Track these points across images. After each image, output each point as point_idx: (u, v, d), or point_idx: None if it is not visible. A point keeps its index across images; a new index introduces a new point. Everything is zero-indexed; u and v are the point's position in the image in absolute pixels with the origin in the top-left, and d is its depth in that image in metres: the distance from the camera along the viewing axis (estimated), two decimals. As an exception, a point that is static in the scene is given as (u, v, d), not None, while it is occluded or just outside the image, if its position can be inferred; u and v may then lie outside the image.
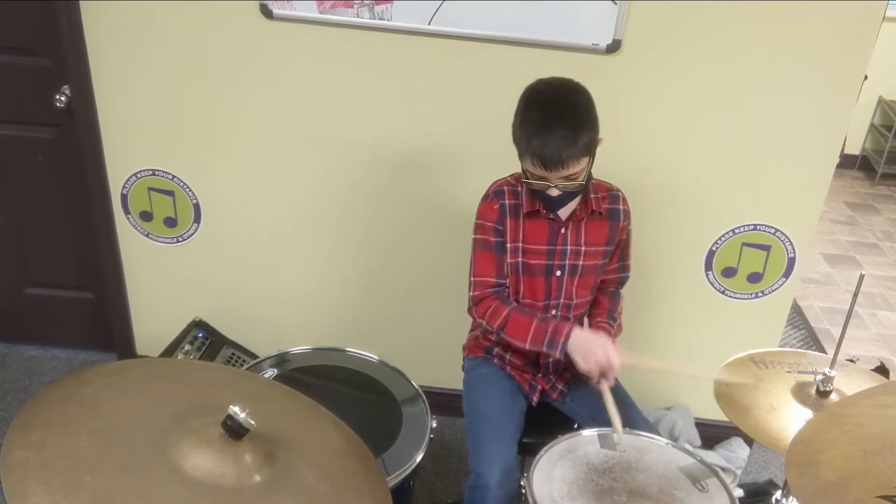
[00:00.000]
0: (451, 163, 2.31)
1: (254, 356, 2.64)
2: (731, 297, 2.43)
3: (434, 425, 1.72)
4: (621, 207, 1.87)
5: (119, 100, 2.32)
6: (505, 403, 1.88)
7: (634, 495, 1.51)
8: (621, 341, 1.98)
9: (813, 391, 1.56)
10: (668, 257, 2.38)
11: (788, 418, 1.51)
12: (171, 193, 2.45)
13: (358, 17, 2.12)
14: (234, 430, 1.08)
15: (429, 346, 2.56)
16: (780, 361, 1.69)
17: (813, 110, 2.13)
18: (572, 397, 1.95)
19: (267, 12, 2.14)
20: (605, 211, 1.84)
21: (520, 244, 1.82)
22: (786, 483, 1.67)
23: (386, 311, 2.59)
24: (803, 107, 2.13)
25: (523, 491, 1.53)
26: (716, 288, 2.42)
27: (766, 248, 2.33)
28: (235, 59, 2.22)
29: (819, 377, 1.56)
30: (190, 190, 2.44)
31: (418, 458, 1.63)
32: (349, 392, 1.82)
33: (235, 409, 1.07)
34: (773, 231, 2.31)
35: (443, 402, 2.13)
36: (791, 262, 2.35)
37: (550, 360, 1.88)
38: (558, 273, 1.84)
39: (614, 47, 2.09)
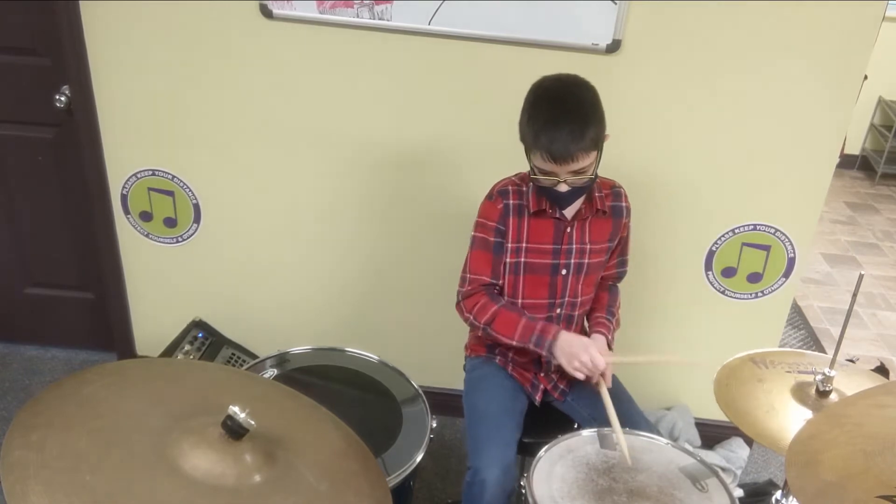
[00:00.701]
0: (451, 163, 2.31)
1: (254, 356, 2.64)
2: (731, 297, 2.43)
3: (434, 425, 1.72)
4: (623, 204, 1.88)
5: (119, 100, 2.32)
6: (505, 403, 1.88)
7: (634, 495, 1.51)
8: (620, 340, 1.99)
9: (813, 391, 1.56)
10: (668, 257, 2.38)
11: (788, 418, 1.51)
12: (170, 193, 2.45)
13: (358, 17, 2.12)
14: (234, 430, 1.08)
15: (429, 346, 2.56)
16: (780, 361, 1.69)
17: (813, 110, 2.13)
18: (573, 397, 1.95)
19: (267, 12, 2.14)
20: (609, 209, 1.85)
21: (523, 244, 1.82)
22: (786, 483, 1.67)
23: (386, 312, 2.59)
24: (803, 107, 2.13)
25: (523, 491, 1.53)
26: (716, 288, 2.42)
27: (766, 248, 2.33)
28: (235, 59, 2.22)
29: (819, 377, 1.56)
30: (190, 190, 2.44)
31: (418, 458, 1.63)
32: (349, 392, 1.82)
33: (235, 409, 1.07)
34: (773, 231, 2.31)
35: (443, 402, 2.13)
36: (791, 262, 2.35)
37: (553, 359, 1.88)
38: (564, 272, 1.84)
39: (614, 47, 2.09)
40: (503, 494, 1.71)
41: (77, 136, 2.39)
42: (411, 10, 2.10)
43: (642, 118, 2.19)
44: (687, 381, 2.58)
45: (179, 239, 2.53)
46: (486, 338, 1.92)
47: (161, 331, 2.62)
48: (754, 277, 2.38)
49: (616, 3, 2.04)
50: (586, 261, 1.84)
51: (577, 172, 1.67)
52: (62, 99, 2.36)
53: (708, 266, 2.39)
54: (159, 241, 2.55)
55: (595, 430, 1.68)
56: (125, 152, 2.41)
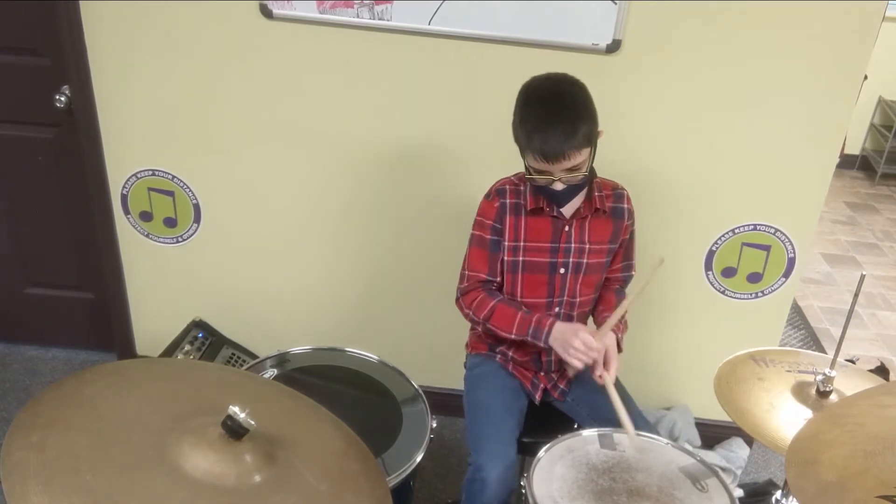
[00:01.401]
0: (451, 163, 2.31)
1: (254, 356, 2.64)
2: (731, 297, 2.43)
3: (434, 425, 1.72)
4: (625, 206, 1.88)
5: (119, 100, 2.32)
6: (506, 401, 1.88)
7: (634, 495, 1.51)
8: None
9: (813, 391, 1.56)
10: (668, 257, 2.36)
11: (788, 418, 1.51)
12: (170, 194, 2.45)
13: (358, 17, 2.12)
14: (234, 430, 1.08)
15: (429, 345, 2.56)
16: (781, 360, 1.69)
17: (813, 110, 2.13)
18: (573, 397, 1.95)
19: (267, 12, 2.14)
20: (609, 209, 1.85)
21: (521, 243, 1.83)
22: (786, 483, 1.67)
23: (386, 311, 2.59)
24: (803, 107, 2.13)
25: (523, 491, 1.53)
26: (716, 288, 2.42)
27: (766, 248, 2.33)
28: (235, 60, 2.22)
29: (819, 377, 1.56)
30: (190, 190, 2.44)
31: (418, 458, 1.62)
32: (349, 392, 1.82)
33: (235, 409, 1.07)
34: (773, 231, 2.31)
35: (443, 402, 2.13)
36: (791, 262, 2.35)
37: (553, 358, 1.89)
38: (562, 271, 1.84)
39: (614, 47, 2.09)
40: (504, 491, 1.71)
41: (77, 136, 2.39)
42: (411, 10, 2.09)
43: (642, 118, 2.19)
44: (687, 381, 2.58)
45: (179, 239, 2.53)
46: (485, 334, 1.93)
47: (161, 331, 2.62)
48: (754, 277, 2.38)
49: (616, 3, 2.04)
50: (585, 260, 1.84)
51: (571, 170, 1.68)
52: (62, 99, 2.36)
53: (708, 266, 2.39)
54: (159, 241, 2.55)
55: (595, 430, 1.68)
56: (125, 152, 2.41)
